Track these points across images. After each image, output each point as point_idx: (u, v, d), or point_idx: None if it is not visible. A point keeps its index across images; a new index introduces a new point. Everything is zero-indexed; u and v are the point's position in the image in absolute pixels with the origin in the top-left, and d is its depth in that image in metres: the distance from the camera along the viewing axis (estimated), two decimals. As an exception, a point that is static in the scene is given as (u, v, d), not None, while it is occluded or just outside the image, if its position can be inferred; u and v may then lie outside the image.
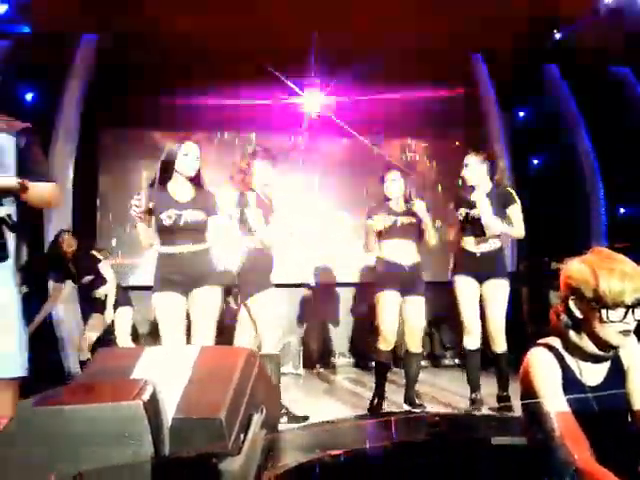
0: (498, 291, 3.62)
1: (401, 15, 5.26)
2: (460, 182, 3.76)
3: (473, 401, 3.62)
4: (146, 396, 1.35)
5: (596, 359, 1.64)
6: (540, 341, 1.72)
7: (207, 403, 1.85)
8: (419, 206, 3.65)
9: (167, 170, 3.15)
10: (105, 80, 5.58)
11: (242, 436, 1.94)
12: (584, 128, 6.74)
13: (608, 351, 1.61)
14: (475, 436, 2.69)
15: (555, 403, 1.58)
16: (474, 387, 3.63)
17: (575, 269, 1.62)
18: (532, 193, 6.37)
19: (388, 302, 3.64)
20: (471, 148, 3.76)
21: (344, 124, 5.71)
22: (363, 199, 5.39)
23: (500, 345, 3.59)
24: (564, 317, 1.65)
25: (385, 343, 3.66)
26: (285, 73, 5.63)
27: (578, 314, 1.61)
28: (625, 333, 1.55)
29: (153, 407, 1.41)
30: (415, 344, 3.72)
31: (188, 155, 3.13)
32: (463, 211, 3.65)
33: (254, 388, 1.97)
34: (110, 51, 5.58)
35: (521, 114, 7.15)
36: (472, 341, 3.65)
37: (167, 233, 3.11)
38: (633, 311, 1.53)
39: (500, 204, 3.59)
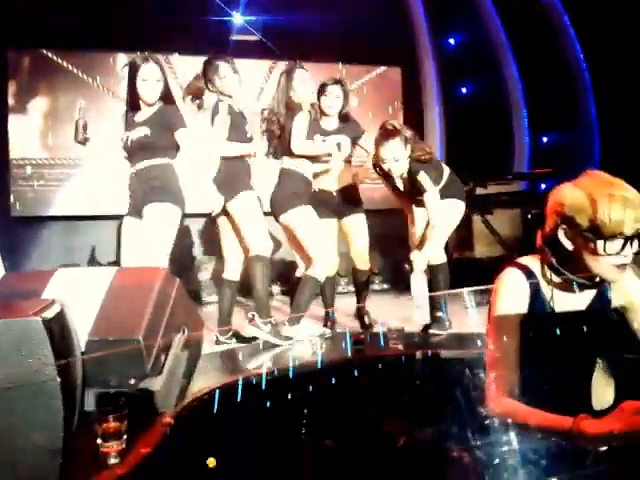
0: None
1: None
2: None
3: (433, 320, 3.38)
4: (48, 314, 1.27)
5: (576, 288, 1.49)
6: (519, 260, 1.56)
7: (124, 324, 1.79)
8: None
9: (131, 94, 3.02)
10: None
11: (163, 357, 1.91)
12: (512, 56, 6.80)
13: (593, 282, 1.46)
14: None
15: (499, 317, 1.49)
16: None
17: (569, 194, 1.40)
18: (459, 121, 6.48)
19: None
20: None
21: (271, 45, 5.48)
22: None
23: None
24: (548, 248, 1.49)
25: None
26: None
27: (569, 246, 1.42)
28: (621, 267, 1.39)
29: (59, 326, 1.34)
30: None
31: (148, 80, 2.96)
32: None
33: (174, 309, 1.93)
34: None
35: (451, 41, 7.10)
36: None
37: (127, 156, 3.04)
38: (631, 243, 1.35)
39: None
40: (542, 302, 1.50)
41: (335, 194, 3.65)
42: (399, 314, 3.72)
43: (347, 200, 3.67)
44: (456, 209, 3.47)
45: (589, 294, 1.53)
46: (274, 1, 5.81)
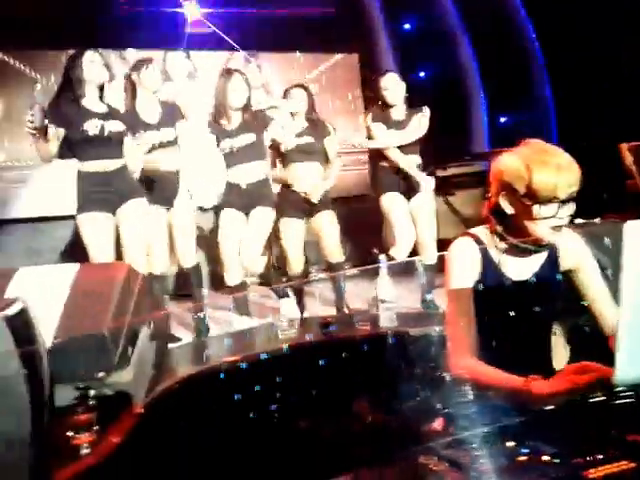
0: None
1: None
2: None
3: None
4: (11, 311, 1.29)
5: (524, 253, 1.56)
6: (468, 230, 1.64)
7: (89, 319, 1.81)
8: None
9: (73, 81, 2.99)
10: None
11: (130, 349, 1.93)
12: (467, 39, 6.90)
13: (538, 246, 1.53)
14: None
15: (453, 283, 1.56)
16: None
17: (507, 163, 1.49)
18: (418, 105, 6.55)
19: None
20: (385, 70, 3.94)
21: (228, 38, 5.45)
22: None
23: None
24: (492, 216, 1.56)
25: None
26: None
27: (509, 210, 1.50)
28: (556, 229, 1.46)
29: (23, 324, 1.35)
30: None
31: (94, 62, 3.00)
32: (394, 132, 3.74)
33: (138, 302, 1.95)
34: None
35: (407, 26, 7.16)
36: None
37: (89, 146, 2.96)
38: (566, 205, 1.44)
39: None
40: (493, 268, 1.56)
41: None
42: (366, 295, 3.78)
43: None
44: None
45: (538, 259, 1.59)
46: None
